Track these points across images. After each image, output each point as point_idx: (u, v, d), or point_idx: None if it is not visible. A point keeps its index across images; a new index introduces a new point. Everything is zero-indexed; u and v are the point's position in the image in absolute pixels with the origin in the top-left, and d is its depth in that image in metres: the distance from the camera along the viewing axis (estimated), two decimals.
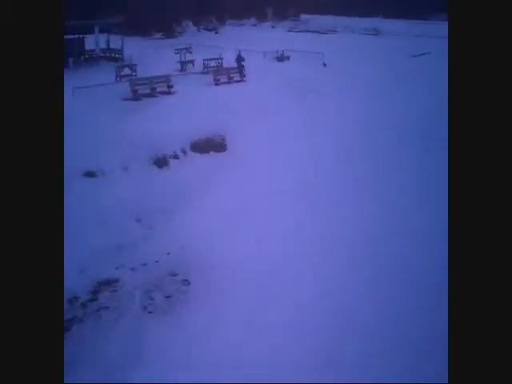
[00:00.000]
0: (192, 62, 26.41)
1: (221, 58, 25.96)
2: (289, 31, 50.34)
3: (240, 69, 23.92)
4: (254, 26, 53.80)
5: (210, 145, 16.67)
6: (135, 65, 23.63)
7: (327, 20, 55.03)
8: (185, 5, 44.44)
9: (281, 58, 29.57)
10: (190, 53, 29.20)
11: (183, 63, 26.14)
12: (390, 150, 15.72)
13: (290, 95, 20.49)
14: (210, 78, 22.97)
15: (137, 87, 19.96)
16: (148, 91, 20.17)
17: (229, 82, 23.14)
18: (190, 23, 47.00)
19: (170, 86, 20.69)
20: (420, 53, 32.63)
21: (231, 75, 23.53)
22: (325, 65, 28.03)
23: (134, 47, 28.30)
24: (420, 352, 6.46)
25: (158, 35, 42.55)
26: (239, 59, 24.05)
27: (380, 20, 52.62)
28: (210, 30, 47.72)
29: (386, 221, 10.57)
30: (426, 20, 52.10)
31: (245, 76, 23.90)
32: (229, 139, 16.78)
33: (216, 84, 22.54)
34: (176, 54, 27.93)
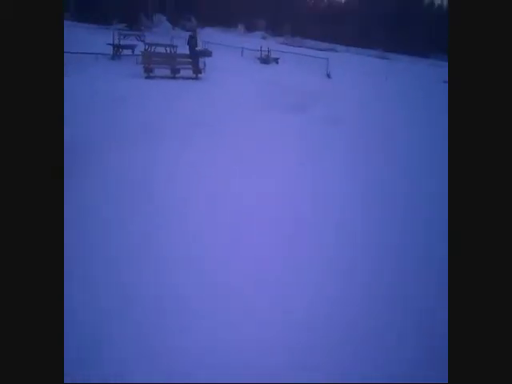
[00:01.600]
0: (132, 47, 17.49)
1: (174, 46, 17.20)
2: (281, 44, 41.88)
3: (194, 60, 14.85)
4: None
5: None
6: None
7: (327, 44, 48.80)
8: None
9: (266, 60, 20.67)
10: (143, 41, 20.38)
11: (118, 47, 17.10)
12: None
13: (276, 110, 11.38)
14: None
15: None
16: None
17: (174, 78, 14.12)
18: (164, 18, 38.32)
19: None
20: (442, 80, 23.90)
21: (178, 66, 14.46)
22: (329, 76, 19.34)
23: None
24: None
25: (120, 25, 33.51)
26: (192, 43, 14.92)
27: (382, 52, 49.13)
28: (186, 31, 38.97)
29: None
30: (426, 58, 51.49)
31: (201, 72, 14.83)
32: None
33: (147, 76, 13.48)
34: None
